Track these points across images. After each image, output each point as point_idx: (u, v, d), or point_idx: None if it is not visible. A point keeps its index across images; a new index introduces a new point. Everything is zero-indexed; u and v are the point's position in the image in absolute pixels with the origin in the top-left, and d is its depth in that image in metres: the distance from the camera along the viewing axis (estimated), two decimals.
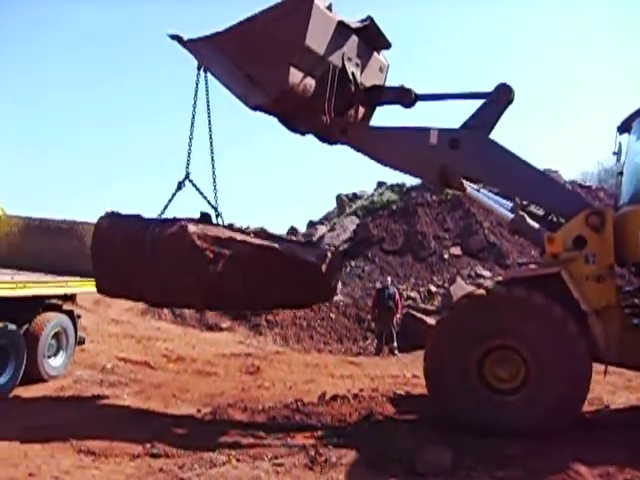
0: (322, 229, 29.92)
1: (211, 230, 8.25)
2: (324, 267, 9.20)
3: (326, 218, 33.73)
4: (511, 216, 8.33)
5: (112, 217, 8.74)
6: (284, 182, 60.54)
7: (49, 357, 11.00)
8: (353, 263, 24.48)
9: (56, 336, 11.17)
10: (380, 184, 32.91)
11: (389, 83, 9.77)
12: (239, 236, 8.48)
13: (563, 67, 69.34)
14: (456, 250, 23.66)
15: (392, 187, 31.15)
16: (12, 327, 9.98)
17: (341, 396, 10.25)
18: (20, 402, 9.64)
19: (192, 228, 7.97)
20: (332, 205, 34.59)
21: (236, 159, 58.89)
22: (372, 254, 24.64)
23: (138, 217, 8.68)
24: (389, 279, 18.25)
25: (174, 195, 8.86)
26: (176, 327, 18.04)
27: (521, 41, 64.18)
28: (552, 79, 67.00)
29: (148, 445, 7.56)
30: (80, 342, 12.02)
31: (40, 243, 12.29)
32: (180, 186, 8.88)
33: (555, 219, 8.45)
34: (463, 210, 24.48)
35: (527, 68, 65.07)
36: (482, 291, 8.05)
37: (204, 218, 8.75)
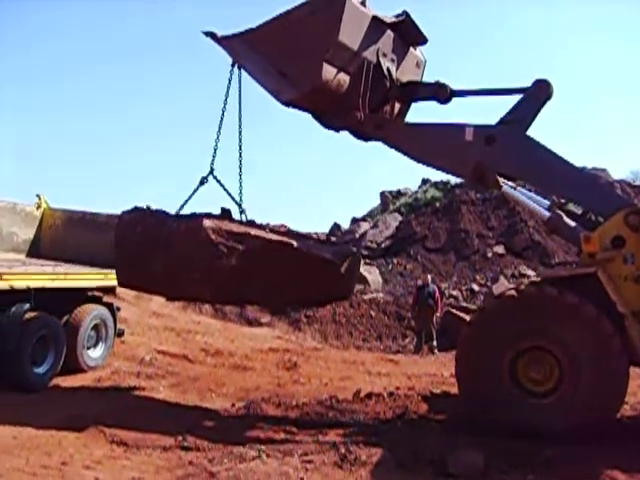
0: (365, 226, 29.76)
1: (226, 225, 8.29)
2: (340, 265, 9.07)
3: (369, 215, 33.50)
4: (548, 214, 8.11)
5: (134, 211, 8.85)
6: (328, 179, 60.50)
7: (88, 348, 11.16)
8: (395, 260, 24.34)
9: (95, 328, 11.32)
10: (424, 181, 32.60)
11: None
12: (254, 231, 8.46)
13: (614, 62, 67.69)
14: (500, 249, 23.28)
15: (436, 184, 30.83)
16: (52, 318, 10.15)
17: (376, 394, 10.18)
18: (58, 392, 9.81)
19: (207, 222, 8.03)
20: (376, 202, 34.37)
21: (281, 157, 59.03)
22: (414, 252, 24.44)
23: (159, 212, 8.79)
24: (429, 277, 18.02)
25: (196, 190, 8.93)
26: (216, 321, 18.13)
27: (568, 36, 62.73)
28: (603, 74, 65.36)
29: (180, 438, 7.60)
30: (119, 334, 12.17)
31: (82, 236, 12.48)
32: (203, 181, 8.93)
33: (593, 218, 8.19)
34: (507, 208, 24.05)
35: (575, 63, 63.63)
36: (513, 291, 7.86)
37: (224, 214, 8.77)
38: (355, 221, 32.51)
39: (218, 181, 9.03)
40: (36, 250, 12.53)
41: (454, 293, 20.98)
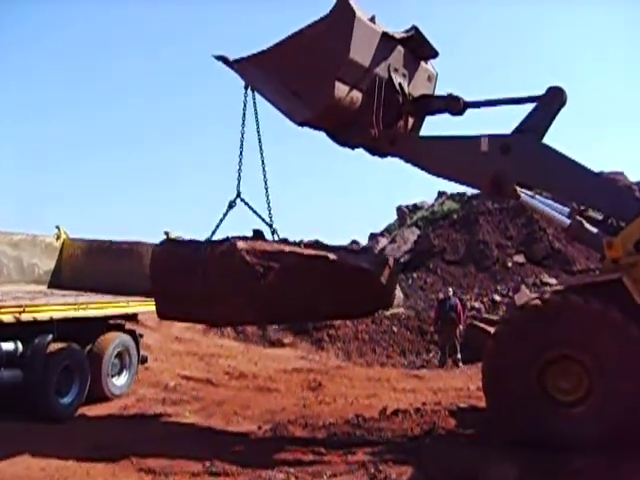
0: (383, 241, 29.77)
1: (259, 245, 8.25)
2: (378, 273, 9.06)
3: (387, 230, 33.48)
4: (568, 222, 8.02)
5: (167, 243, 8.89)
6: (344, 195, 60.49)
7: (113, 376, 11.16)
8: (415, 275, 24.24)
9: (119, 355, 11.33)
10: (441, 194, 32.57)
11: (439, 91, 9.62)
12: (288, 248, 8.42)
13: (630, 64, 67.23)
14: (520, 258, 23.13)
15: (453, 197, 30.79)
16: (76, 347, 10.18)
17: (403, 411, 10.08)
18: (84, 421, 9.81)
19: (241, 244, 7.98)
20: (393, 217, 34.34)
21: (296, 175, 59.19)
22: (434, 265, 24.35)
23: (191, 241, 8.79)
24: (451, 290, 17.93)
25: (225, 215, 8.86)
26: (238, 344, 18.10)
27: (581, 40, 62.45)
28: (617, 77, 64.90)
29: (207, 463, 7.56)
30: (143, 361, 12.17)
31: (102, 264, 12.56)
32: (231, 205, 8.89)
33: (615, 223, 8.09)
34: (526, 217, 23.92)
35: (591, 65, 63.21)
36: (537, 301, 7.76)
37: (257, 235, 8.76)
38: (373, 237, 32.50)
39: (246, 203, 9.03)
40: (57, 281, 12.61)
41: (476, 305, 20.82)
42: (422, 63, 9.44)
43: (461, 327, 16.57)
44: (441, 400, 11.28)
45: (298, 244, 8.79)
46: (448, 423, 9.35)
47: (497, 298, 21.01)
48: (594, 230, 7.88)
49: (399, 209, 34.10)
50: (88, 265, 12.66)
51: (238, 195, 8.93)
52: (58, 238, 12.89)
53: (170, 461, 7.68)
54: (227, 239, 8.27)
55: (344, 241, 32.67)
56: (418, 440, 8.51)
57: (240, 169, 8.89)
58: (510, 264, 23.21)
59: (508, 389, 7.57)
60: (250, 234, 8.79)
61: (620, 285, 7.27)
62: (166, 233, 12.18)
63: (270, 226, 9.05)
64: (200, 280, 8.05)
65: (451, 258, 24.37)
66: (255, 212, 9.03)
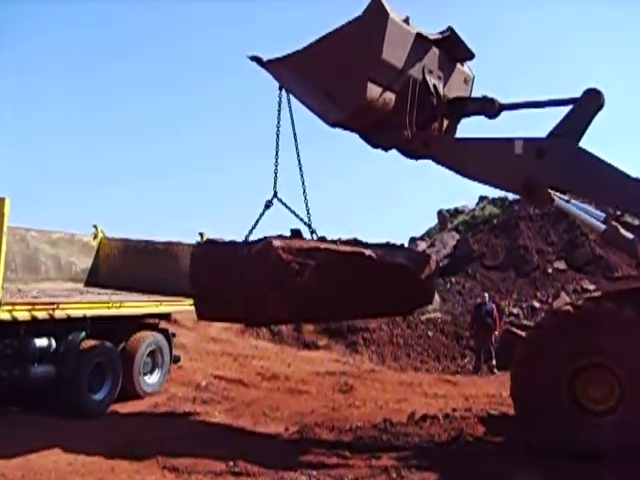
0: (422, 245, 29.51)
1: (295, 242, 8.22)
2: (417, 270, 8.98)
3: (427, 234, 33.22)
4: (603, 227, 7.85)
5: (205, 245, 8.96)
6: (385, 199, 60.18)
7: (145, 374, 11.31)
8: (453, 279, 24.00)
9: (151, 354, 11.47)
10: (482, 198, 32.18)
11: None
12: (323, 245, 8.37)
13: None
14: (560, 264, 22.71)
15: (494, 201, 30.41)
16: (109, 345, 10.34)
17: (431, 416, 9.99)
18: (115, 418, 9.95)
19: (277, 242, 7.94)
20: (434, 221, 34.06)
21: (338, 179, 59.08)
22: (473, 270, 24.08)
23: (229, 242, 8.85)
24: (486, 295, 17.70)
25: (262, 215, 8.86)
26: (273, 345, 18.16)
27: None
28: None
29: (231, 463, 7.61)
30: (175, 360, 12.29)
31: (138, 264, 12.74)
32: (268, 205, 8.89)
33: None
34: (567, 223, 23.46)
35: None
36: (569, 307, 7.61)
37: (295, 234, 8.76)
38: (413, 241, 32.30)
39: (283, 203, 9.00)
40: (94, 279, 12.85)
41: (514, 311, 20.52)
42: (458, 65, 9.35)
43: (497, 333, 16.35)
44: (472, 406, 11.13)
45: (335, 242, 8.76)
46: (476, 430, 9.24)
47: (536, 304, 20.67)
48: (630, 236, 7.69)
49: (440, 213, 33.79)
50: (124, 264, 12.85)
51: (275, 195, 8.93)
52: (95, 237, 13.12)
53: (194, 460, 7.74)
54: (264, 238, 8.30)
55: None
56: (444, 446, 8.44)
57: (276, 169, 8.90)
58: (550, 270, 22.81)
59: (537, 396, 7.46)
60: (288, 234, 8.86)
61: None
62: (201, 234, 12.33)
63: (309, 226, 9.01)
64: (237, 279, 8.08)
65: (490, 263, 24.06)
66: (293, 212, 9.00)
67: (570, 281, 21.90)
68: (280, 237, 8.42)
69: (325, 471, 7.46)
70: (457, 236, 27.60)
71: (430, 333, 18.62)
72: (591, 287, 20.43)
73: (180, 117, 62.59)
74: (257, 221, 8.86)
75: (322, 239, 8.94)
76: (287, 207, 9.06)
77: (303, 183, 9.18)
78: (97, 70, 55.95)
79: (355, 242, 9.22)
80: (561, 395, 7.37)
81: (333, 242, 8.77)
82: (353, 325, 18.39)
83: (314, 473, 7.31)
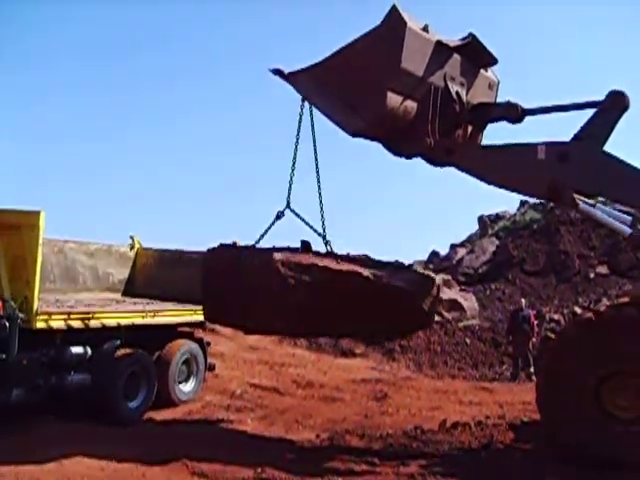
0: (462, 252, 29.31)
1: (295, 257, 8.47)
2: (415, 292, 8.93)
3: (468, 240, 32.97)
4: (629, 231, 7.73)
5: (217, 249, 9.19)
6: (427, 205, 59.82)
7: (180, 382, 11.47)
8: (493, 286, 23.80)
9: (186, 362, 11.63)
10: (523, 203, 31.78)
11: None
12: (322, 262, 8.55)
13: None
14: (603, 269, 22.33)
15: (535, 206, 30.01)
16: (143, 353, 10.55)
17: (462, 423, 9.95)
18: (149, 425, 10.12)
19: (277, 256, 8.25)
20: (474, 227, 33.80)
21: (379, 188, 59.01)
22: (513, 276, 23.85)
23: (240, 247, 9.14)
24: (523, 301, 17.49)
25: (272, 225, 9.05)
26: (310, 353, 18.19)
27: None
28: None
29: (259, 469, 7.71)
30: (210, 368, 12.42)
31: (174, 273, 12.92)
32: (279, 215, 9.05)
33: None
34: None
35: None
36: (591, 314, 7.52)
37: (304, 246, 8.90)
38: (453, 247, 32.09)
39: (297, 214, 9.14)
40: (131, 289, 13.09)
41: (555, 317, 20.17)
42: (482, 71, 9.32)
43: (534, 339, 16.14)
44: (506, 414, 11.02)
45: (342, 257, 8.87)
46: (507, 437, 9.18)
47: (578, 311, 20.28)
48: None
49: (480, 219, 33.50)
50: (160, 274, 13.05)
51: (288, 205, 9.08)
52: (132, 248, 13.37)
53: (223, 466, 7.87)
54: (270, 249, 8.49)
55: (424, 253, 32.52)
56: (473, 454, 8.40)
57: (291, 180, 9.06)
58: (592, 275, 22.46)
59: (562, 405, 7.38)
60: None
61: None
62: (234, 243, 12.48)
63: (323, 237, 9.10)
64: (240, 286, 8.40)
65: (530, 269, 23.80)
66: (307, 223, 9.10)
67: (613, 286, 21.52)
68: (287, 249, 8.68)
69: (352, 478, 7.53)
70: (497, 242, 27.33)
71: (468, 340, 18.46)
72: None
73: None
74: (266, 231, 9.09)
75: (329, 253, 9.05)
76: (300, 218, 9.19)
77: (320, 195, 9.24)
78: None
79: (363, 259, 9.32)
80: (587, 403, 7.28)
81: (339, 257, 8.91)
82: None
83: None
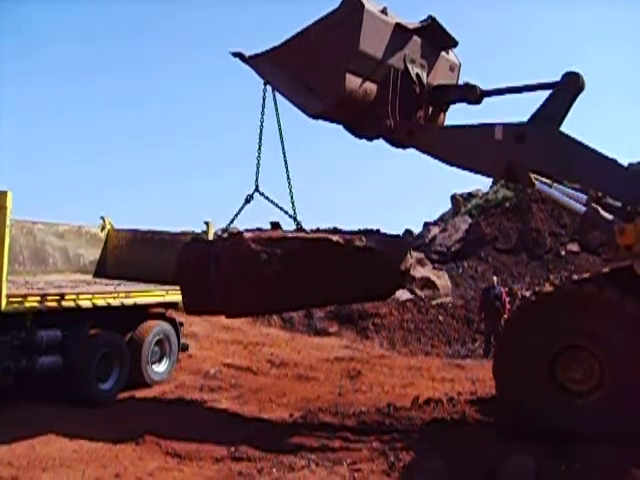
0: (435, 230, 29.49)
1: (265, 233, 8.54)
2: (385, 251, 9.14)
3: (441, 218, 33.17)
4: (584, 209, 7.84)
5: (188, 244, 9.38)
6: (400, 184, 60.10)
7: (153, 363, 11.42)
8: (466, 264, 24.00)
9: (159, 343, 11.57)
10: (495, 182, 31.98)
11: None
12: (291, 234, 8.63)
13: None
14: (574, 247, 22.65)
15: (507, 184, 30.18)
16: (116, 335, 10.50)
17: (435, 400, 10.09)
18: (121, 406, 10.07)
19: (247, 234, 8.30)
20: (448, 205, 33.98)
21: (356, 167, 59.08)
22: (485, 254, 24.07)
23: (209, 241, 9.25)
24: (495, 279, 17.63)
25: (241, 209, 9.08)
26: (284, 333, 18.23)
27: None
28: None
29: (232, 448, 7.76)
30: (183, 349, 12.40)
31: (145, 254, 12.84)
32: (248, 199, 9.07)
33: (633, 210, 7.84)
34: None
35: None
36: (550, 288, 7.64)
37: (274, 227, 8.94)
38: (426, 225, 32.24)
39: (266, 197, 9.14)
40: (102, 270, 12.98)
41: (527, 294, 20.42)
42: (443, 53, 9.38)
43: (506, 317, 16.30)
44: (477, 390, 11.20)
45: (313, 231, 8.94)
46: (479, 413, 9.29)
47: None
48: (609, 217, 7.68)
49: (453, 197, 33.68)
50: (132, 255, 12.95)
51: (256, 189, 9.10)
52: (103, 229, 13.23)
53: (197, 445, 7.91)
54: (240, 231, 8.55)
55: (398, 231, 32.63)
56: (444, 429, 8.50)
57: (259, 163, 9.09)
58: (564, 253, 22.76)
59: (517, 375, 7.53)
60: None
61: (632, 273, 7.09)
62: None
63: (294, 218, 9.13)
64: (214, 272, 8.39)
65: (503, 247, 24.05)
66: (277, 205, 9.12)
67: (584, 264, 21.79)
68: (257, 230, 8.76)
69: (325, 455, 7.57)
70: (469, 220, 27.52)
71: (441, 318, 18.61)
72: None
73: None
74: (236, 215, 9.10)
75: (299, 230, 9.10)
76: (270, 201, 9.19)
77: (288, 177, 9.25)
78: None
79: (333, 231, 9.39)
80: (541, 376, 7.43)
81: (309, 232, 8.96)
82: (364, 311, 18.42)
83: (313, 457, 7.44)
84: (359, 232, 9.48)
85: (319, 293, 8.98)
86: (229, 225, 9.13)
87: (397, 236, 9.99)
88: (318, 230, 9.24)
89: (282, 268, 8.22)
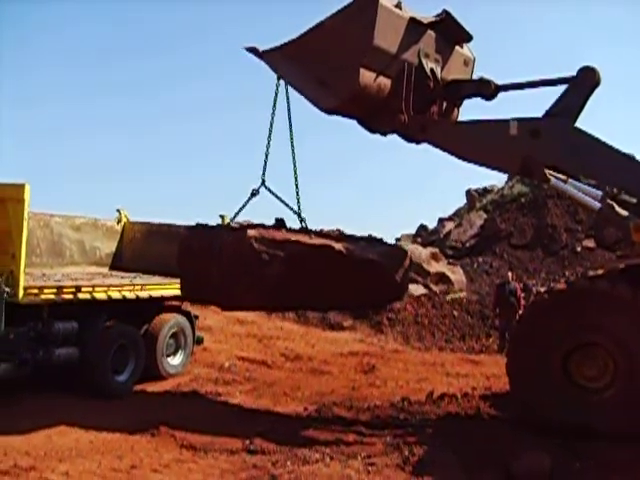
0: (449, 225, 29.38)
1: (269, 233, 8.54)
2: (387, 264, 9.12)
3: (456, 214, 33.02)
4: (599, 205, 7.79)
5: (192, 228, 9.29)
6: (416, 180, 59.82)
7: (168, 356, 11.47)
8: (480, 259, 23.88)
9: (174, 336, 11.62)
10: (511, 177, 31.80)
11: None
12: (295, 237, 8.65)
13: None
14: (589, 243, 22.45)
15: (523, 180, 30.03)
16: (131, 327, 10.56)
17: (449, 395, 10.09)
18: (137, 398, 10.13)
19: (251, 232, 8.33)
20: (463, 201, 33.83)
21: (369, 162, 58.87)
22: (500, 249, 23.92)
23: (215, 226, 9.30)
24: (510, 274, 17.55)
25: (247, 202, 9.16)
26: (299, 327, 18.22)
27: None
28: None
29: (247, 441, 7.79)
30: (198, 342, 12.45)
31: (161, 247, 12.84)
32: (254, 193, 9.12)
33: None
34: None
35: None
36: (563, 285, 7.62)
37: (278, 223, 8.95)
38: (441, 221, 32.13)
39: (272, 192, 9.22)
40: (118, 263, 13.03)
41: (542, 290, 20.31)
42: (457, 47, 9.35)
43: (521, 312, 16.22)
44: (492, 385, 11.16)
45: (315, 233, 8.94)
46: (494, 409, 9.28)
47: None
48: (625, 213, 7.63)
49: (468, 193, 33.51)
50: (148, 248, 12.97)
51: (263, 183, 9.13)
52: (119, 222, 13.29)
53: (212, 438, 7.96)
54: (245, 226, 8.56)
55: (412, 226, 32.57)
56: (458, 424, 8.49)
57: (267, 158, 9.14)
58: (579, 249, 22.58)
59: (531, 374, 7.52)
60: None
61: None
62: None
63: (298, 215, 9.20)
64: (215, 263, 8.45)
65: (518, 242, 23.89)
66: (282, 201, 9.17)
67: (599, 260, 21.61)
68: (261, 226, 8.75)
69: (339, 448, 7.59)
70: (484, 215, 27.37)
71: (455, 313, 18.56)
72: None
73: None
74: (241, 209, 9.19)
75: (304, 229, 9.13)
76: (275, 196, 9.28)
77: (296, 172, 9.29)
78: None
79: (336, 234, 9.41)
80: (554, 373, 7.42)
81: (313, 233, 9.00)
82: None
83: (327, 450, 7.45)
84: (362, 239, 9.48)
85: (316, 297, 9.06)
86: (234, 218, 9.23)
87: (399, 247, 10.01)
88: (322, 231, 9.25)
89: (283, 270, 8.31)
